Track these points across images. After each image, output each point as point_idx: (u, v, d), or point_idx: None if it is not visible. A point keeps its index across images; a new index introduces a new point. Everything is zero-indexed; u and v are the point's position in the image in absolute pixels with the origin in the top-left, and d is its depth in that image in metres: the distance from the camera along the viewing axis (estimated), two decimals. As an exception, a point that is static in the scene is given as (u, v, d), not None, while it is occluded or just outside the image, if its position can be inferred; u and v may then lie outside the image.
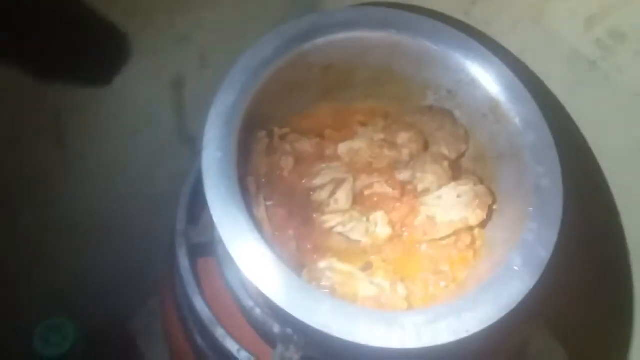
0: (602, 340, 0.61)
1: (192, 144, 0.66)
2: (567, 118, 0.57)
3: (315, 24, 0.49)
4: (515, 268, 0.42)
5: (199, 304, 0.49)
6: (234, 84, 0.44)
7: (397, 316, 0.39)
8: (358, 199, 0.50)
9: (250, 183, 0.48)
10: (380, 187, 0.51)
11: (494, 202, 0.50)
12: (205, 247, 0.51)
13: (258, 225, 0.46)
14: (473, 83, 0.50)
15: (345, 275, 0.45)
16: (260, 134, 0.49)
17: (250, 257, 0.39)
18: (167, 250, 0.56)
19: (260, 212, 0.47)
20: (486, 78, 0.50)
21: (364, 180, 0.51)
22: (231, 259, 0.40)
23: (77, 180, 0.55)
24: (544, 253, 0.43)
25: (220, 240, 0.40)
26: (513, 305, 0.41)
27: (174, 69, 0.57)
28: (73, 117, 0.51)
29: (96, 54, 0.46)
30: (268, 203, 0.48)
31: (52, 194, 0.54)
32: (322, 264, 0.46)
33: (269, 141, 0.50)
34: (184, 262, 0.51)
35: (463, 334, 0.39)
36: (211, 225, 0.44)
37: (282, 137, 0.52)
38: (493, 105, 0.50)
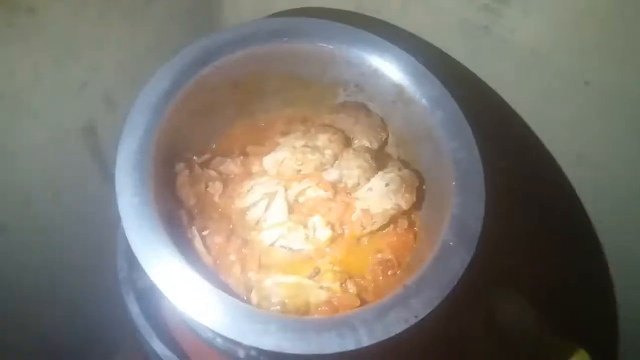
0: (569, 301, 0.63)
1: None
2: (480, 82, 0.59)
3: (210, 46, 0.49)
4: (451, 244, 0.43)
5: (159, 348, 0.48)
6: (136, 126, 0.44)
7: (347, 318, 0.40)
8: (295, 208, 0.51)
9: (181, 218, 0.47)
10: (313, 192, 0.51)
11: (422, 183, 0.51)
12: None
13: (197, 259, 0.46)
14: (376, 73, 0.51)
15: (294, 287, 0.46)
16: (178, 167, 0.49)
17: (189, 296, 0.39)
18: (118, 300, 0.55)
19: (197, 245, 0.47)
20: (387, 66, 0.51)
21: (295, 188, 0.51)
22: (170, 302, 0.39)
23: (5, 255, 0.53)
24: (474, 225, 0.44)
25: (156, 288, 0.39)
26: (455, 282, 0.42)
27: (82, 118, 0.56)
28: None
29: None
30: (205, 233, 0.48)
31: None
32: (268, 282, 0.46)
33: (189, 172, 0.49)
34: (134, 309, 0.50)
35: (413, 321, 0.40)
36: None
37: (205, 164, 0.51)
38: (399, 91, 0.51)
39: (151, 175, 0.43)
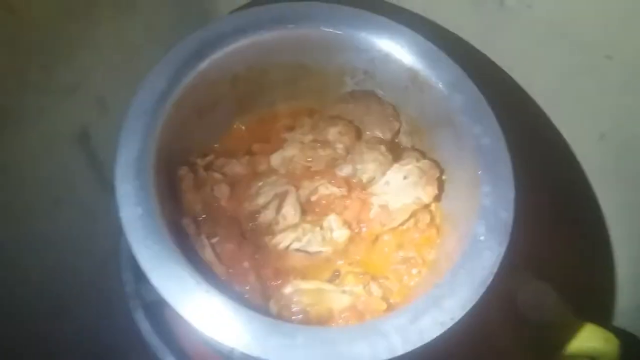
0: (586, 279, 0.61)
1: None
2: (491, 64, 0.56)
3: (207, 38, 0.45)
4: (481, 238, 0.40)
5: (173, 364, 0.45)
6: (133, 130, 0.40)
7: (377, 325, 0.37)
8: (307, 208, 0.47)
9: (187, 225, 0.44)
10: (326, 189, 0.48)
11: (442, 173, 0.48)
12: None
13: (208, 269, 0.42)
14: (387, 58, 0.48)
15: (314, 294, 0.43)
16: (181, 171, 0.45)
17: (203, 312, 0.36)
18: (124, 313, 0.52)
19: (207, 254, 0.43)
20: (398, 50, 0.47)
21: (307, 186, 0.48)
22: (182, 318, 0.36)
23: (6, 268, 0.50)
24: (505, 215, 0.41)
25: (168, 304, 0.36)
26: (490, 278, 0.39)
27: (75, 123, 0.52)
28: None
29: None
30: (214, 240, 0.44)
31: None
32: (287, 290, 0.43)
33: (193, 175, 0.46)
34: (144, 326, 0.47)
35: (449, 324, 0.37)
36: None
37: (208, 166, 0.48)
38: (412, 76, 0.48)
39: (153, 182, 0.39)
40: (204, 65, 0.44)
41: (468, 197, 0.44)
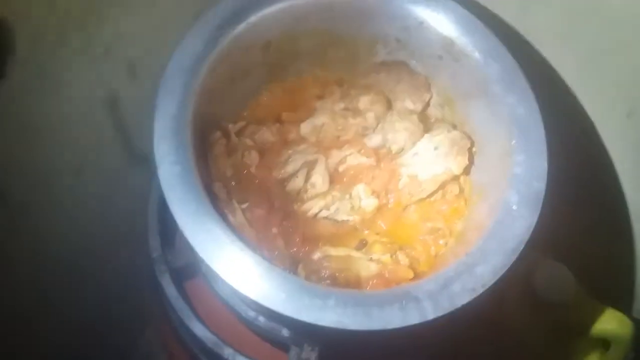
0: (603, 261, 0.61)
1: (144, 162, 0.62)
2: (521, 39, 0.55)
3: (240, 3, 0.44)
4: (514, 207, 0.40)
5: (199, 329, 0.46)
6: (172, 90, 0.40)
7: (409, 290, 0.37)
8: (335, 177, 0.48)
9: (218, 190, 0.44)
10: (355, 159, 0.48)
11: (473, 144, 0.48)
12: (188, 268, 0.48)
13: (238, 233, 0.43)
14: (421, 26, 0.47)
15: (343, 260, 0.43)
16: (215, 136, 0.45)
17: (238, 269, 0.36)
18: (148, 279, 0.52)
19: (238, 218, 0.43)
20: (435, 17, 0.47)
21: (335, 156, 0.48)
22: (219, 277, 0.36)
23: (27, 233, 0.51)
24: (537, 184, 0.41)
25: (203, 260, 0.36)
26: (521, 247, 0.39)
27: (104, 86, 0.52)
28: (7, 171, 0.46)
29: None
30: (243, 206, 0.44)
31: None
32: (316, 255, 0.43)
33: (226, 141, 0.46)
34: (170, 290, 0.47)
35: (480, 290, 0.37)
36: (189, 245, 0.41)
37: (240, 133, 0.48)
38: (447, 44, 0.47)
39: (190, 142, 0.39)
40: (239, 29, 0.44)
41: (499, 167, 0.44)
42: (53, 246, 0.53)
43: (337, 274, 0.42)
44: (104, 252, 0.60)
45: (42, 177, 0.49)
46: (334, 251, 0.43)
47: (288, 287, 0.36)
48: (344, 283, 0.42)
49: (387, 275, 0.43)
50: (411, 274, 0.43)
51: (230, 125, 0.47)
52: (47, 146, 0.49)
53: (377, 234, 0.46)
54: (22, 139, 0.45)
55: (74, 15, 0.42)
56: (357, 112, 0.48)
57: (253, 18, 0.44)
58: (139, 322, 0.73)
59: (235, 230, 0.42)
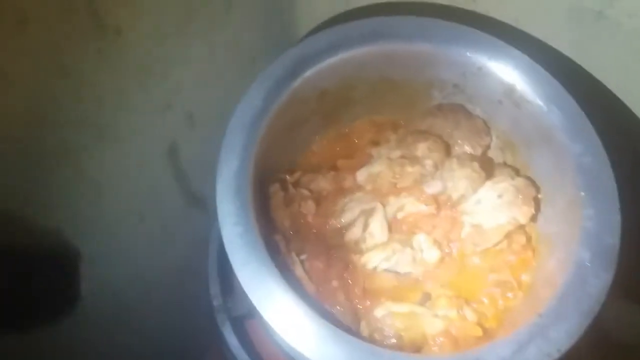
0: None
1: (201, 206, 0.62)
2: (585, 74, 0.53)
3: (299, 57, 0.45)
4: (587, 264, 0.38)
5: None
6: (233, 146, 0.40)
7: (481, 356, 0.35)
8: (393, 226, 0.47)
9: (279, 242, 0.44)
10: (414, 206, 0.47)
11: (538, 191, 0.46)
12: (247, 315, 0.48)
13: (298, 285, 0.42)
14: (480, 72, 0.46)
15: (407, 317, 0.42)
16: (273, 188, 0.45)
17: (300, 331, 0.36)
18: (205, 321, 0.52)
19: (298, 270, 0.43)
20: (494, 64, 0.45)
21: (393, 203, 0.47)
22: (282, 339, 0.36)
23: (92, 281, 0.52)
24: (611, 240, 0.39)
25: (269, 326, 0.36)
26: (597, 308, 0.37)
27: (165, 139, 0.53)
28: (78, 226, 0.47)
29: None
30: (302, 257, 0.44)
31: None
32: (379, 312, 0.42)
33: (284, 192, 0.46)
34: (232, 340, 0.48)
35: (556, 355, 0.35)
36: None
37: (296, 183, 0.48)
38: (508, 90, 0.46)
39: (250, 199, 0.39)
40: (297, 83, 0.44)
41: (568, 218, 0.42)
42: (117, 296, 0.54)
43: (401, 333, 0.41)
44: (160, 300, 0.61)
45: (106, 229, 0.50)
46: (397, 307, 0.42)
47: (350, 348, 0.35)
48: (410, 342, 0.41)
49: (454, 333, 0.41)
50: (480, 332, 0.41)
51: (287, 177, 0.47)
52: (109, 200, 0.50)
53: (441, 286, 0.45)
54: (86, 194, 0.46)
55: (135, 77, 0.43)
56: (414, 160, 0.48)
57: (309, 72, 0.44)
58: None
59: (296, 284, 0.42)
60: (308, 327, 0.36)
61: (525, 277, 0.44)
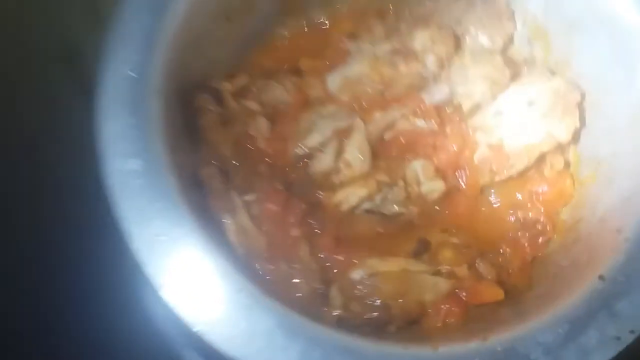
0: None
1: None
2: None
3: None
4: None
5: None
6: (129, 35, 0.30)
7: (513, 345, 0.25)
8: (379, 150, 0.37)
9: (208, 178, 0.33)
10: (407, 123, 0.37)
11: (583, 97, 0.36)
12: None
13: (239, 243, 0.32)
14: None
15: (397, 278, 0.32)
16: (201, 101, 0.35)
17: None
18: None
19: (240, 219, 0.32)
20: None
21: (379, 120, 0.37)
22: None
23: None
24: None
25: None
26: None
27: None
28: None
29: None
30: (248, 197, 0.34)
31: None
32: (357, 273, 0.33)
33: (220, 108, 0.36)
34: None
35: (629, 338, 0.25)
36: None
37: (239, 93, 0.38)
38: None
39: (158, 117, 0.29)
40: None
41: (627, 132, 0.32)
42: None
43: (390, 302, 0.31)
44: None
45: None
46: (382, 265, 0.33)
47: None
48: (402, 314, 0.32)
49: (463, 297, 0.32)
50: (501, 294, 0.32)
51: (224, 84, 0.37)
52: None
53: (445, 231, 0.36)
54: None
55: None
56: (410, 56, 0.38)
57: None
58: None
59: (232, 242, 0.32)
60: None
61: (562, 215, 0.35)
